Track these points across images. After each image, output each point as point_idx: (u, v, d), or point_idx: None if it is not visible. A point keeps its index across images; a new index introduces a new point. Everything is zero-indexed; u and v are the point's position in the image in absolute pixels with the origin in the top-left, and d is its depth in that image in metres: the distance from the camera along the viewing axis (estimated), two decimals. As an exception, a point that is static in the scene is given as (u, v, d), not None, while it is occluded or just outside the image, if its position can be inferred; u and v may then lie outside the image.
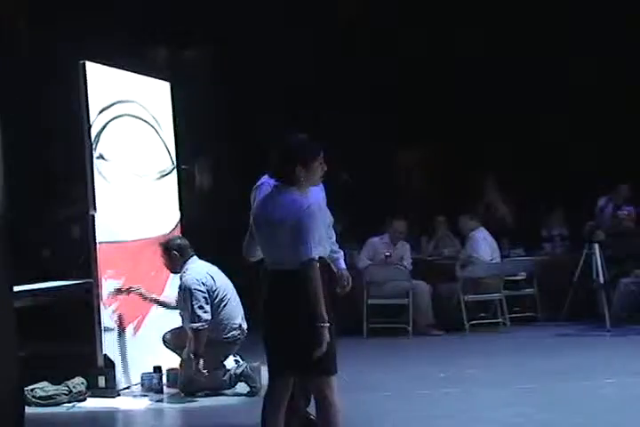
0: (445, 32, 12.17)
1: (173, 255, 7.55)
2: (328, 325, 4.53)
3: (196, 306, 7.30)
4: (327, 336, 4.52)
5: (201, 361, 7.21)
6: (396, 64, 12.23)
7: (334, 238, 5.86)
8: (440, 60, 12.12)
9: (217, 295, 7.44)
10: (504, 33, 12.10)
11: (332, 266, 5.67)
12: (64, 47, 9.08)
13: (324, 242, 4.81)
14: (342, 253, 5.99)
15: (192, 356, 7.24)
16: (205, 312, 7.32)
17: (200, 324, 7.28)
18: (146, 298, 7.76)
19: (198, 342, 7.25)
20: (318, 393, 4.72)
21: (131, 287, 7.65)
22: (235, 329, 7.48)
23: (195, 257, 7.60)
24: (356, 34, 12.17)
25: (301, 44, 11.78)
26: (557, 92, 12.11)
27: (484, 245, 10.84)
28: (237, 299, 7.61)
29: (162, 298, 7.87)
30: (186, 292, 7.38)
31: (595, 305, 10.34)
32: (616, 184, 11.14)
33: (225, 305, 7.47)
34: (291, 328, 4.59)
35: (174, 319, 7.74)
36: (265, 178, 5.95)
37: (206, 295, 7.37)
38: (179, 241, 7.63)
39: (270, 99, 11.61)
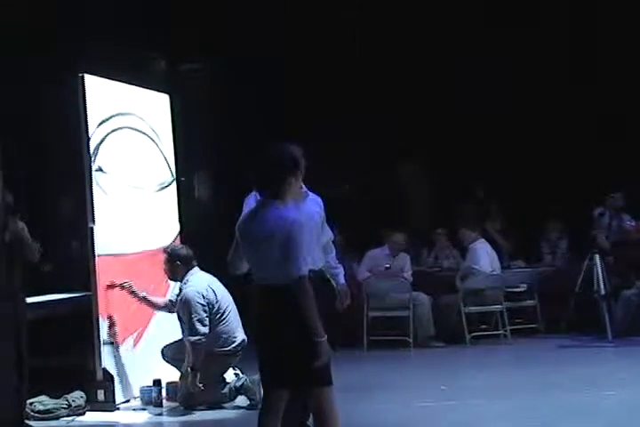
0: (442, 35, 12.21)
1: (176, 265, 7.54)
2: (325, 338, 4.53)
3: (195, 319, 7.28)
4: (326, 350, 4.53)
5: (197, 375, 7.19)
6: (396, 73, 12.24)
7: (334, 254, 5.83)
8: (440, 73, 12.14)
9: (217, 308, 7.42)
10: (502, 35, 12.15)
11: (332, 282, 5.63)
12: (63, 60, 9.07)
13: (312, 252, 4.73)
14: (342, 268, 5.96)
15: (189, 369, 7.22)
16: (204, 326, 7.30)
17: (197, 337, 7.26)
18: (136, 295, 7.67)
19: (195, 356, 7.24)
20: (316, 404, 4.73)
21: (124, 283, 7.59)
22: (234, 341, 7.46)
23: (196, 268, 7.58)
24: (357, 40, 12.19)
25: (302, 53, 11.79)
26: (553, 106, 12.15)
27: (484, 257, 10.80)
28: (236, 311, 7.58)
29: (151, 298, 7.80)
30: (186, 304, 7.36)
31: (596, 317, 10.30)
32: (610, 194, 11.09)
33: (225, 318, 7.46)
34: (285, 343, 4.57)
35: (173, 333, 7.72)
36: None
37: (206, 308, 7.35)
38: (184, 251, 7.58)
39: (269, 110, 11.61)
